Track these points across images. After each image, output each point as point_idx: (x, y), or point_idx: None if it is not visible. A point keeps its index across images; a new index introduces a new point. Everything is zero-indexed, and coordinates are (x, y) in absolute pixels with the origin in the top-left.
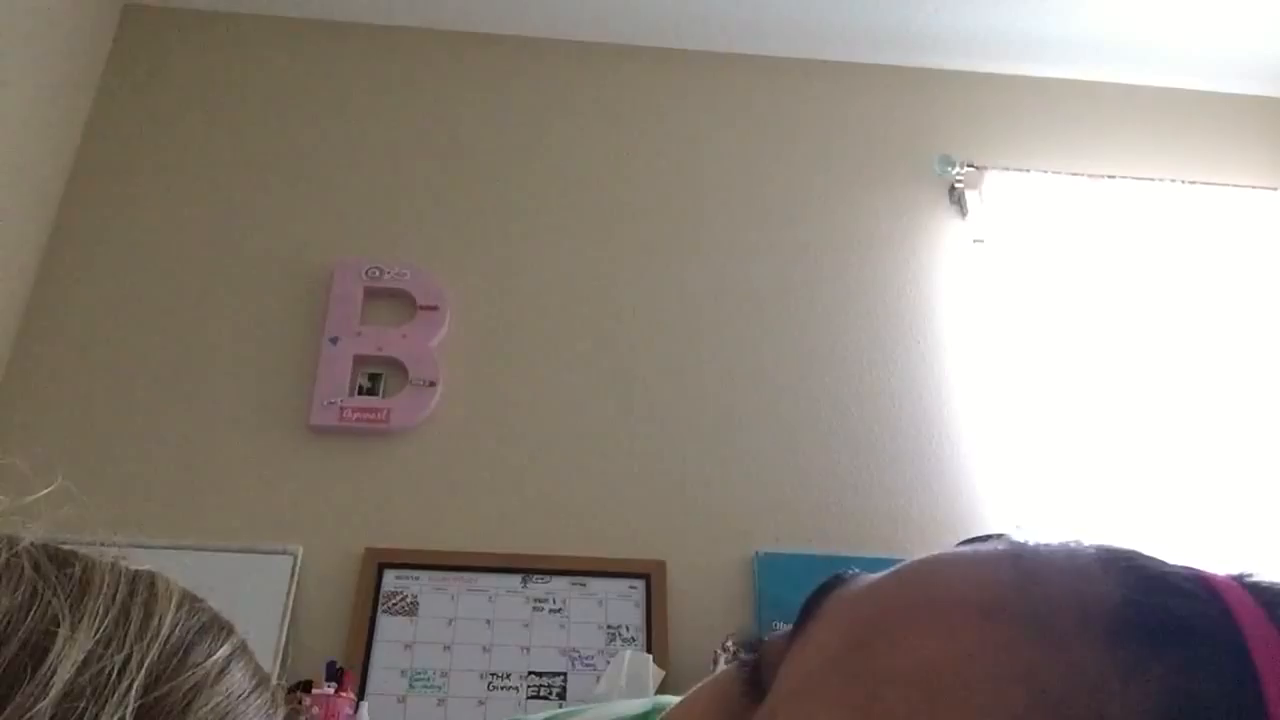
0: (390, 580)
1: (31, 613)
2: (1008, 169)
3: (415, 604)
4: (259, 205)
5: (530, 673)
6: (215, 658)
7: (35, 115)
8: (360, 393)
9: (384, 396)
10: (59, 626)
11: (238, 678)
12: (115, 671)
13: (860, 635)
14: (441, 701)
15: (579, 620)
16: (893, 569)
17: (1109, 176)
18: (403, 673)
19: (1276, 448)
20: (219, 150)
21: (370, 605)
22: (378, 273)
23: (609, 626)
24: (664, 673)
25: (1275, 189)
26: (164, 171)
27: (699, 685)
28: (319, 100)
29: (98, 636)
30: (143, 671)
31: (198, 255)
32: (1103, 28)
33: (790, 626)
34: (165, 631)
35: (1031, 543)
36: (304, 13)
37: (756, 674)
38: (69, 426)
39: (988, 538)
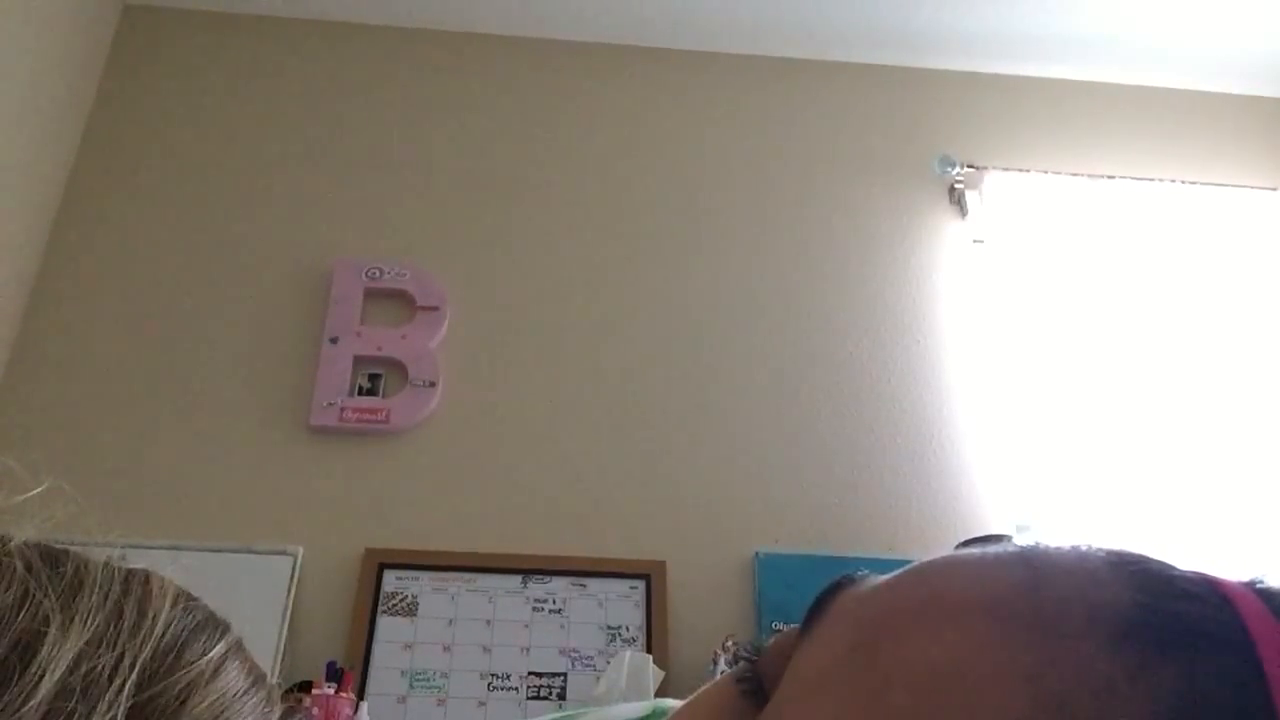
0: (390, 580)
1: (22, 612)
2: (1008, 169)
3: (415, 604)
4: (259, 205)
5: (530, 673)
6: (210, 656)
7: (35, 115)
8: (360, 393)
9: (384, 397)
10: (49, 626)
11: (233, 676)
12: (107, 670)
13: (867, 636)
14: (441, 702)
15: (579, 621)
16: (901, 570)
17: (1109, 177)
18: (403, 673)
19: (1276, 447)
20: (219, 150)
21: (370, 605)
22: (378, 273)
23: (609, 627)
24: (664, 673)
25: (1275, 189)
26: (164, 172)
27: (700, 690)
28: (319, 100)
29: (89, 636)
30: (135, 670)
31: (198, 255)
32: (1102, 28)
33: (794, 627)
34: (159, 630)
35: (1041, 546)
36: (304, 13)
37: (758, 677)
38: (68, 426)
39: (989, 539)
